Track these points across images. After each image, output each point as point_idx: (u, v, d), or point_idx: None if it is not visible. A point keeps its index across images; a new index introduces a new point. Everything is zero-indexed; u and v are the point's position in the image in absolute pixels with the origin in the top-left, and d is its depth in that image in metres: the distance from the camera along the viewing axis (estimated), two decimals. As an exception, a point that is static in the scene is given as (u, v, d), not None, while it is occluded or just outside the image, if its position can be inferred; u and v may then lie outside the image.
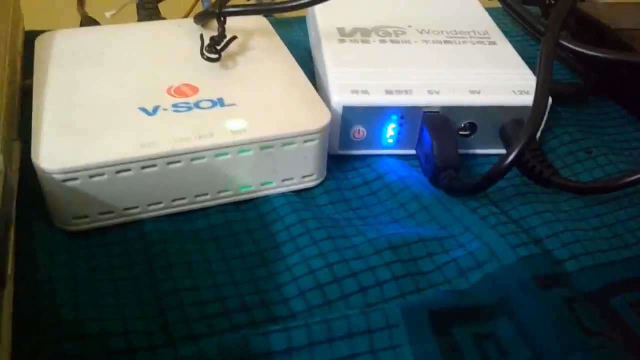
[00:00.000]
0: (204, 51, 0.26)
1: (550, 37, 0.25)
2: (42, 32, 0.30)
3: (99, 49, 0.27)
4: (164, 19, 0.33)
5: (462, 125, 0.27)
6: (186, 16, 0.36)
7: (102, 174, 0.21)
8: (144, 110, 0.23)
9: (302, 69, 0.28)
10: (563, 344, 0.19)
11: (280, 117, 0.24)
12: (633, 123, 0.31)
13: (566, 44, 0.25)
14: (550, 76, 0.25)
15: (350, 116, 0.26)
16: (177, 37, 0.29)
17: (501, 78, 0.27)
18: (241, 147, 0.23)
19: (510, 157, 0.23)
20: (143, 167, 0.22)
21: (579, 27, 0.34)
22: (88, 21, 0.33)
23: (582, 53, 0.25)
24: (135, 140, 0.22)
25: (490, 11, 0.35)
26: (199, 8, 0.34)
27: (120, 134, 0.22)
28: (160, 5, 0.35)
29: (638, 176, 0.23)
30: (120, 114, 0.23)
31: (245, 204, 0.25)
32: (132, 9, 0.35)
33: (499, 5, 0.30)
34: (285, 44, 0.30)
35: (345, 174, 0.27)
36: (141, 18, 0.33)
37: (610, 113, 0.32)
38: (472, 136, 0.27)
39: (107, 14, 0.35)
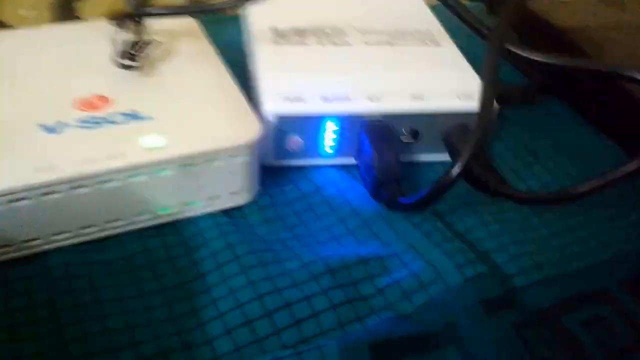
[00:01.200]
0: (117, 57, 0.23)
1: (494, 40, 0.24)
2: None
3: (-3, 56, 0.24)
4: (77, 18, 0.30)
5: (404, 132, 0.25)
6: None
7: (-7, 205, 0.19)
8: (43, 127, 0.21)
9: (236, 75, 0.25)
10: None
11: (203, 132, 0.21)
12: (581, 124, 0.30)
13: (512, 48, 0.24)
14: (495, 83, 0.23)
15: (284, 126, 0.24)
16: (91, 42, 0.26)
17: (445, 82, 0.26)
18: (158, 166, 0.20)
19: (456, 171, 0.21)
20: (43, 194, 0.19)
21: (526, 25, 0.33)
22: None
23: (529, 59, 0.23)
24: (31, 163, 0.19)
25: (438, 8, 0.34)
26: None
27: (13, 156, 0.19)
28: (81, 5, 0.32)
29: (593, 186, 0.22)
30: (15, 132, 0.20)
31: (166, 228, 0.22)
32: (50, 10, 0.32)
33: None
34: (219, 47, 0.27)
35: (281, 188, 0.25)
36: (56, 19, 0.30)
37: (559, 114, 0.31)
38: (414, 143, 0.26)
39: (22, 12, 0.32)
